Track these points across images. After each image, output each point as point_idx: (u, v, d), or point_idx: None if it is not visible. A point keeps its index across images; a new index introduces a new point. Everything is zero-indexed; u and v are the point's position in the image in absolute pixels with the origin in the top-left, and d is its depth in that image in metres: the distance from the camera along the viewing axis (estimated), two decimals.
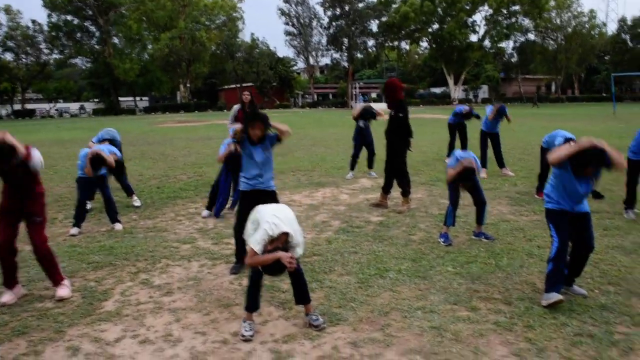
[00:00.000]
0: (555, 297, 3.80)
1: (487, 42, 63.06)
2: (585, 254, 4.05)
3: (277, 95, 63.31)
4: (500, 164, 9.91)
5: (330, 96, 69.30)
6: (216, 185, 7.08)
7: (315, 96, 68.12)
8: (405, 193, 7.11)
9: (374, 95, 65.40)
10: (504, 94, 66.37)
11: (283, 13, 62.58)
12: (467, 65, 61.38)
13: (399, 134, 7.05)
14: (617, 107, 40.70)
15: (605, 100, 42.00)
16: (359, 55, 66.14)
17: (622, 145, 6.62)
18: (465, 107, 11.71)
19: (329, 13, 61.55)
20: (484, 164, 9.73)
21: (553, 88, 73.18)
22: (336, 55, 64.49)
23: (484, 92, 66.58)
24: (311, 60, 65.27)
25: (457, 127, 11.52)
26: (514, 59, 70.89)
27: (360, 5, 60.54)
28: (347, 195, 8.16)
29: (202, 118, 39.27)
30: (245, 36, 66.23)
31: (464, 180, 5.49)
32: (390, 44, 64.19)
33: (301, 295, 3.74)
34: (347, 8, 59.90)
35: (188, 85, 59.46)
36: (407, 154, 7.17)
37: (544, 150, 7.73)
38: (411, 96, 63.27)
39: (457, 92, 62.08)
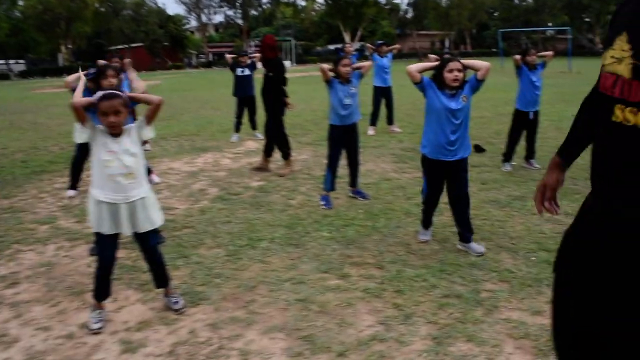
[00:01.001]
0: (422, 236, 4.19)
1: None
2: (460, 208, 4.00)
3: (169, 56, 60.13)
4: (390, 120, 9.85)
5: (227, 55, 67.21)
6: (77, 162, 6.22)
7: (211, 56, 65.68)
8: (286, 155, 6.81)
9: None
10: (400, 49, 67.66)
11: None
12: (363, 22, 61.66)
13: (274, 95, 6.69)
14: (504, 61, 42.83)
15: (495, 55, 44.01)
16: (253, 12, 64.26)
17: (509, 98, 6.70)
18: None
19: None
20: (374, 121, 9.63)
21: (447, 44, 75.66)
22: (230, 13, 62.23)
23: None
24: (204, 18, 62.49)
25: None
26: (409, 15, 72.22)
27: None
28: (229, 160, 7.74)
29: None
30: None
31: None
32: (286, 0, 62.93)
33: (159, 277, 3.35)
34: None
35: (70, 46, 54.76)
36: (284, 114, 6.84)
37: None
38: (308, 53, 62.83)
39: (353, 48, 62.40)
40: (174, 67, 56.51)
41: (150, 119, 3.13)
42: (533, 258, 3.88)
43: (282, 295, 3.43)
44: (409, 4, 71.14)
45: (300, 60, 59.80)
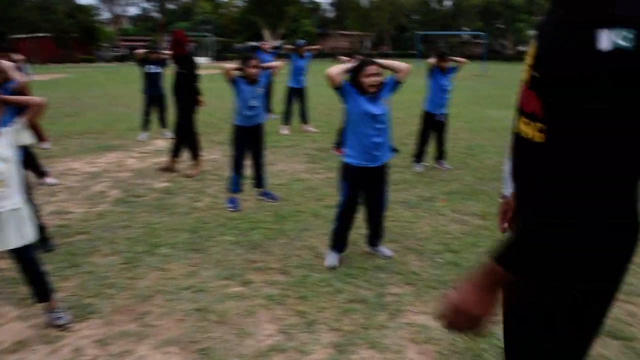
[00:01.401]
0: (330, 260, 3.69)
1: None
2: (376, 214, 3.92)
3: (79, 48, 57.02)
4: (305, 120, 9.77)
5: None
6: None
7: (127, 50, 62.94)
8: (195, 155, 6.55)
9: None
10: (321, 50, 68.18)
11: None
12: (284, 20, 61.52)
13: (185, 92, 6.42)
14: (422, 63, 44.07)
15: (414, 57, 45.32)
16: (171, 6, 62.31)
17: (423, 99, 6.75)
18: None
19: None
20: (287, 120, 9.54)
21: (369, 44, 77.05)
22: (146, 5, 59.94)
23: None
24: (117, 10, 59.82)
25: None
26: (331, 15, 72.94)
27: None
28: (135, 160, 7.33)
29: None
30: None
31: None
32: None
33: (40, 291, 3.03)
34: None
35: None
36: (195, 113, 6.58)
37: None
38: (227, 50, 61.82)
39: (271, 46, 62.03)
40: (84, 61, 53.59)
41: (29, 122, 2.83)
42: (439, 260, 3.90)
43: (179, 305, 3.23)
44: (330, 4, 71.82)
45: (219, 56, 58.67)
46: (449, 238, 4.31)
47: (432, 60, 6.55)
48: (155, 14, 60.27)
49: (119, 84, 21.54)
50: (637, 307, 3.16)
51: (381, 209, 3.88)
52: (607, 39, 0.96)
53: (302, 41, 9.98)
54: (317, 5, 67.52)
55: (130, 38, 66.24)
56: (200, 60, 54.73)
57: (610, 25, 0.96)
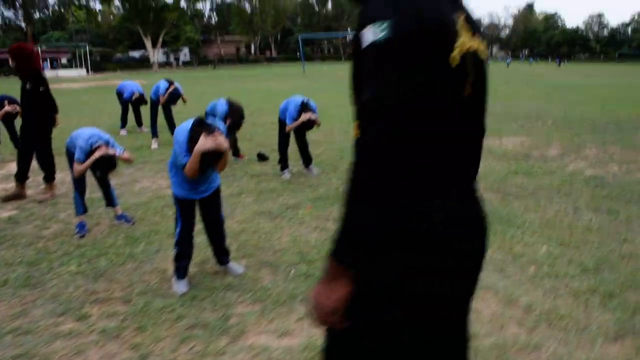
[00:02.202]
0: (179, 287, 3.51)
1: (183, 3, 62.33)
2: (215, 230, 3.80)
3: None
4: (173, 130, 9.42)
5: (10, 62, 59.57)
6: None
7: None
8: (49, 177, 6.06)
9: (64, 60, 58.70)
10: (205, 56, 67.01)
11: None
12: (165, 27, 59.72)
13: (43, 110, 5.97)
14: (307, 66, 44.70)
15: (299, 60, 45.73)
16: (38, 14, 58.16)
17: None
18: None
19: None
20: (155, 132, 9.17)
21: (253, 49, 76.87)
22: (8, 14, 55.39)
23: (185, 54, 66.09)
24: None
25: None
26: (213, 21, 71.92)
27: None
28: None
29: None
30: None
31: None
32: (77, 3, 58.24)
33: None
34: None
35: None
36: (50, 132, 6.12)
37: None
38: (107, 60, 58.93)
39: (156, 54, 60.07)
40: None
41: None
42: (292, 272, 3.85)
43: None
44: (212, 10, 70.83)
45: (97, 67, 55.74)
46: (307, 248, 4.27)
47: None
48: (21, 23, 55.80)
49: None
50: (483, 302, 3.28)
51: (219, 225, 3.78)
52: (365, 38, 1.10)
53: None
54: (199, 11, 66.17)
55: None
56: (76, 72, 51.76)
57: (367, 24, 1.10)
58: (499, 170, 6.76)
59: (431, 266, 1.20)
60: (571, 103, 15.51)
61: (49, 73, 50.46)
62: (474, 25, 1.20)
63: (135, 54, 65.61)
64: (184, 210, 3.59)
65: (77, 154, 4.49)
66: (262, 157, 7.74)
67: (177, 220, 3.63)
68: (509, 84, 25.06)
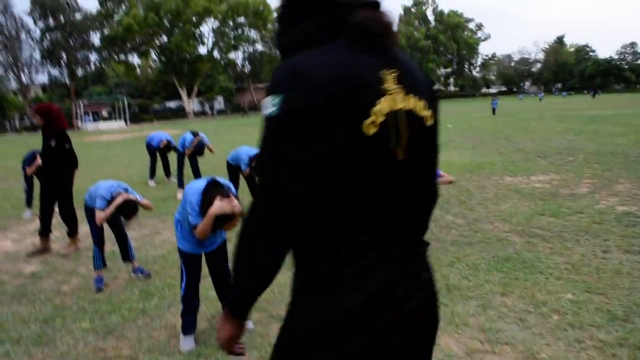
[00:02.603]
0: (185, 345, 3.45)
1: (216, 54, 64.42)
2: (222, 284, 3.75)
3: None
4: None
5: None
6: None
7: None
8: (72, 232, 6.19)
9: (104, 113, 61.06)
10: (238, 104, 68.62)
11: None
12: (199, 77, 61.75)
13: (66, 167, 6.20)
14: None
15: None
16: (81, 71, 60.93)
17: None
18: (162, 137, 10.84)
19: (40, 24, 55.38)
20: (181, 183, 9.32)
21: None
22: (55, 72, 58.23)
23: (219, 102, 67.84)
24: (24, 78, 57.66)
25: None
26: (246, 69, 73.91)
27: (78, 15, 55.84)
28: (10, 242, 6.81)
29: None
30: None
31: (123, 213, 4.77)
32: (117, 58, 60.88)
33: None
34: (62, 19, 54.63)
35: None
36: (71, 187, 6.30)
37: (230, 166, 7.61)
38: (144, 112, 60.97)
39: (191, 104, 61.90)
40: None
41: None
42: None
43: None
44: (244, 59, 72.86)
45: (135, 119, 57.69)
46: None
47: None
48: (65, 80, 58.46)
49: (17, 156, 20.52)
50: (499, 357, 3.12)
51: (226, 277, 3.72)
52: (263, 107, 1.12)
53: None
54: (231, 61, 68.18)
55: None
56: (115, 124, 53.69)
57: (267, 94, 1.12)
58: (525, 211, 6.55)
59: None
60: (604, 136, 15.11)
61: (90, 126, 52.60)
62: (408, 83, 1.15)
63: (172, 104, 67.73)
64: (189, 264, 3.57)
65: (99, 204, 4.58)
66: None
67: (182, 274, 3.61)
68: (541, 119, 24.68)
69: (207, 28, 63.61)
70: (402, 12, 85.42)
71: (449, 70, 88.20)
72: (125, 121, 55.37)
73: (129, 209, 4.62)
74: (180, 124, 47.03)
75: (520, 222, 6.03)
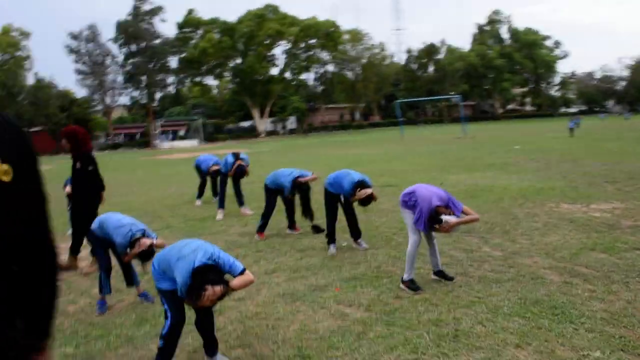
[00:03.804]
0: None
1: (288, 75, 65.65)
2: (205, 326, 3.54)
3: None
4: (241, 202, 9.48)
5: (139, 135, 65.25)
6: None
7: (122, 137, 64.11)
8: (75, 251, 6.32)
9: (181, 132, 63.70)
10: (311, 124, 69.36)
11: (72, 51, 58.10)
12: (271, 98, 63.11)
13: (92, 189, 6.27)
14: (409, 130, 44.69)
15: (405, 125, 45.69)
16: (159, 93, 64.08)
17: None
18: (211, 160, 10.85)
19: (124, 50, 58.85)
20: (222, 203, 9.25)
21: (357, 116, 78.53)
22: (135, 94, 61.41)
23: (291, 122, 68.86)
24: (107, 100, 61.26)
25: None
26: (318, 89, 74.74)
27: (157, 41, 58.90)
28: None
29: None
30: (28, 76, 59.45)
31: None
32: (193, 80, 63.50)
33: None
34: (143, 45, 57.84)
35: None
36: (97, 209, 6.37)
37: (269, 189, 7.38)
38: (219, 131, 62.95)
39: (264, 124, 63.30)
40: None
41: None
42: None
43: None
44: (316, 79, 73.76)
45: (210, 137, 59.68)
46: (310, 340, 3.79)
47: None
48: (145, 102, 61.53)
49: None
50: None
51: (209, 316, 3.50)
52: None
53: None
54: (302, 81, 69.23)
55: (125, 125, 67.86)
56: (189, 143, 55.82)
57: None
58: (573, 245, 5.86)
59: None
60: None
61: (167, 144, 54.95)
62: None
63: (245, 124, 69.51)
64: (173, 303, 3.36)
65: (120, 249, 4.48)
66: (317, 230, 7.43)
67: (166, 314, 3.42)
68: (619, 140, 22.93)
69: (279, 50, 64.65)
70: (476, 31, 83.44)
71: (525, 89, 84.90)
72: (199, 140, 57.42)
73: (148, 255, 4.52)
74: (250, 143, 48.08)
75: (564, 258, 5.39)
